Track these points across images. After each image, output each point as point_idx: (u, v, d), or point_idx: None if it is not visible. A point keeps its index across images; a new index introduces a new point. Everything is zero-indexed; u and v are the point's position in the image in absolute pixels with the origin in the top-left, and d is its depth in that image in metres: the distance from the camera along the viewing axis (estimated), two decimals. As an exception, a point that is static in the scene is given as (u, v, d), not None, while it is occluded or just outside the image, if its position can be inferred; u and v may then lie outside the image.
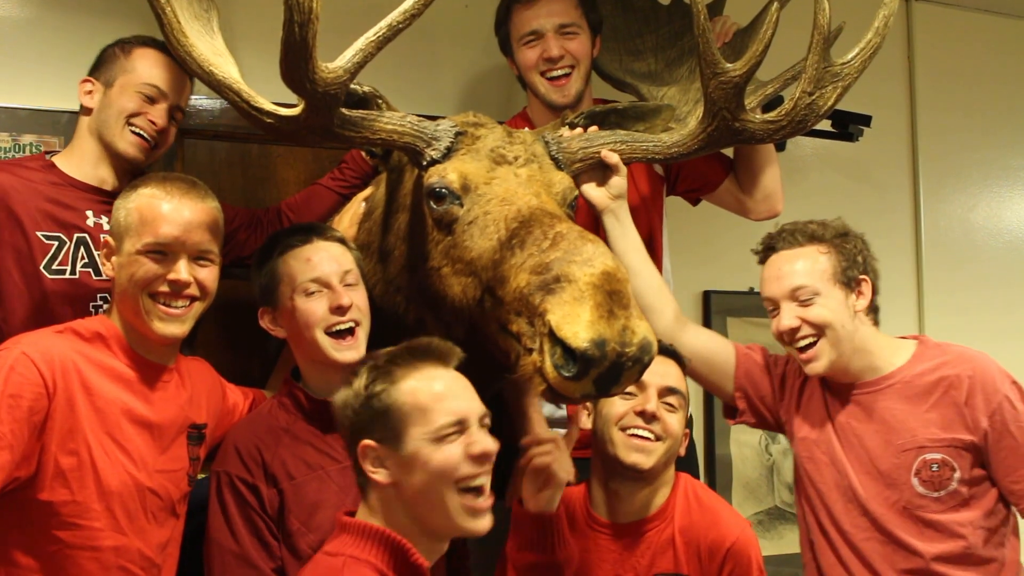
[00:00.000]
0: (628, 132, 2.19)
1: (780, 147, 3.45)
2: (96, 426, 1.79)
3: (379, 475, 1.65)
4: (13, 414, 1.66)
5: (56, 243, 2.14)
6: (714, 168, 2.67)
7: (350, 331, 1.98)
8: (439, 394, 1.64)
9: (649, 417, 2.06)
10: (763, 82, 2.30)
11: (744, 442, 3.38)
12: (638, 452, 2.05)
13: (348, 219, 2.34)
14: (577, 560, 2.09)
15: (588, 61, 2.59)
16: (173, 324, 1.89)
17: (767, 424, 2.42)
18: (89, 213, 2.19)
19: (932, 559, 2.12)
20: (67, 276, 2.14)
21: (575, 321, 1.55)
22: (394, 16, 1.75)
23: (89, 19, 2.65)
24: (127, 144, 2.20)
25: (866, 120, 3.37)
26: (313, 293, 1.98)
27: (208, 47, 1.85)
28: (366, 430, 1.66)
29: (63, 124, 2.59)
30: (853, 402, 2.23)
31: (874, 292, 2.24)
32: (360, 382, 1.68)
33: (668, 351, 2.16)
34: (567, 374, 1.57)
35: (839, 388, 2.26)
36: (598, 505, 2.16)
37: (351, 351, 1.96)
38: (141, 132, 2.21)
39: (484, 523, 1.66)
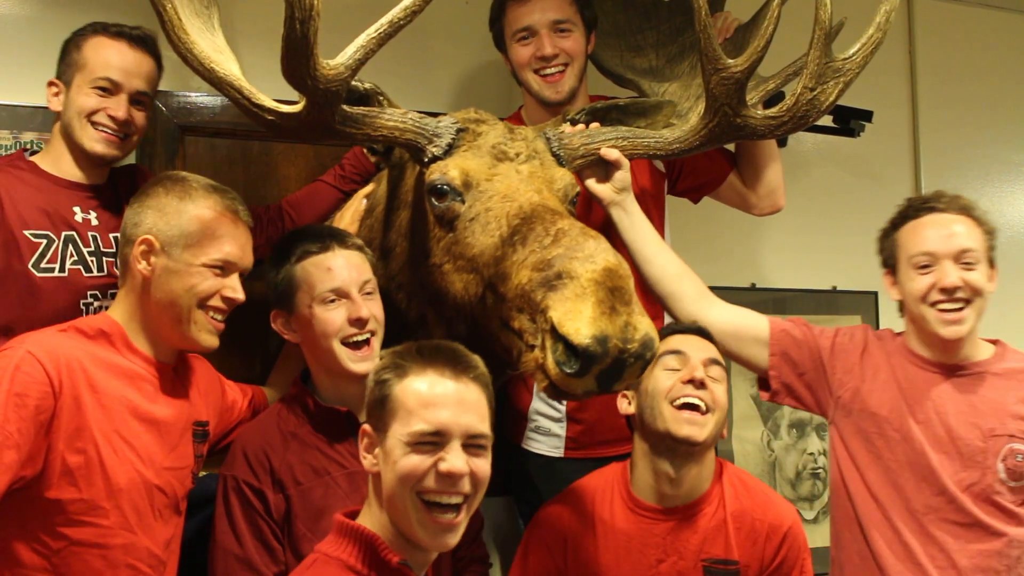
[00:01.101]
0: (629, 128, 2.19)
1: (782, 143, 3.44)
2: (103, 424, 1.78)
3: (366, 461, 1.66)
4: (20, 413, 1.66)
5: (44, 241, 2.13)
6: (717, 164, 2.66)
7: (366, 341, 1.98)
8: (427, 400, 1.60)
9: (699, 383, 2.05)
10: (764, 78, 2.30)
11: (746, 438, 3.37)
12: (691, 424, 2.02)
13: (349, 216, 2.34)
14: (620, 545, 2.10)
15: (583, 58, 2.56)
16: (214, 337, 1.93)
17: (804, 404, 2.36)
18: (76, 209, 2.19)
19: (1013, 542, 2.14)
20: (56, 274, 2.13)
21: (577, 318, 1.55)
22: (395, 13, 1.74)
23: (90, 17, 2.62)
24: (93, 142, 2.18)
25: (867, 116, 3.36)
26: (332, 302, 1.97)
27: (209, 44, 1.85)
28: (369, 414, 1.67)
29: (64, 122, 2.59)
30: (944, 382, 2.23)
31: None
32: (379, 365, 1.69)
33: (700, 331, 2.16)
34: (569, 371, 1.57)
35: (927, 366, 2.25)
36: (643, 489, 2.12)
37: (367, 362, 1.94)
38: (104, 128, 2.19)
39: (445, 540, 1.61)
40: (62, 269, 2.15)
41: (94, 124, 2.18)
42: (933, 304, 2.18)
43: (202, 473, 2.04)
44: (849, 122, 3.36)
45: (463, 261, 1.86)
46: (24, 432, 1.65)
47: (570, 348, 1.56)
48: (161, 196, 1.91)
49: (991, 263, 2.24)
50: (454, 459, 1.58)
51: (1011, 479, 2.15)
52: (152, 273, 1.88)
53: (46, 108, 2.37)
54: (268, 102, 1.80)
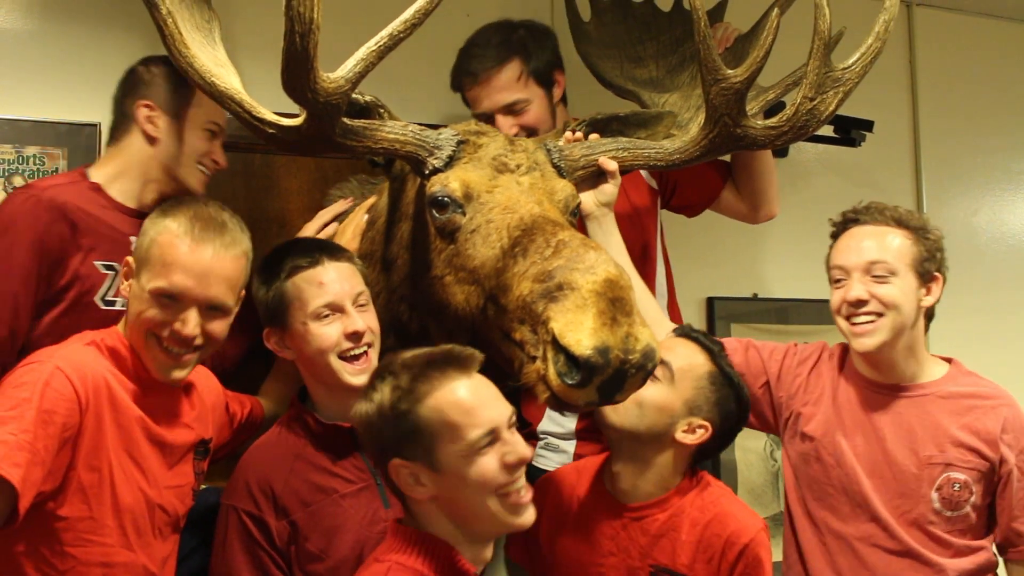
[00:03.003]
0: (630, 139, 2.19)
1: (783, 153, 3.45)
2: (117, 443, 1.78)
3: (417, 492, 1.63)
4: (47, 430, 1.65)
5: (112, 273, 2.11)
6: (711, 180, 2.67)
7: (364, 353, 1.97)
8: (467, 408, 1.61)
9: None
10: (764, 88, 2.30)
11: (749, 448, 3.36)
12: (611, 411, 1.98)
13: (351, 231, 2.33)
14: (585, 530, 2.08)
15: (548, 119, 2.56)
16: (174, 370, 1.86)
17: (748, 425, 2.31)
18: (132, 239, 2.14)
19: (946, 573, 2.10)
20: (118, 307, 2.10)
21: (578, 329, 1.55)
22: (395, 26, 1.75)
23: (91, 31, 2.65)
24: (196, 182, 2.21)
25: (868, 125, 3.36)
26: (326, 317, 1.96)
27: (210, 58, 1.86)
28: (395, 449, 1.62)
29: (65, 135, 2.59)
30: (884, 403, 2.19)
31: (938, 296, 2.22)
32: (382, 398, 1.63)
33: (690, 334, 2.11)
34: (571, 382, 1.57)
35: (869, 387, 2.21)
36: (607, 480, 2.10)
37: (365, 375, 1.91)
38: (206, 170, 2.23)
39: (529, 515, 1.68)
40: (124, 304, 2.13)
41: (200, 165, 2.22)
42: (848, 318, 2.16)
43: (202, 486, 2.04)
44: (850, 132, 3.36)
45: (464, 273, 1.86)
46: (49, 449, 1.65)
47: (571, 359, 1.56)
48: (149, 218, 1.90)
49: (926, 275, 2.18)
50: (516, 447, 1.64)
51: (947, 509, 2.11)
52: (128, 295, 1.87)
53: (48, 122, 2.37)
54: (269, 115, 1.80)
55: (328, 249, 2.06)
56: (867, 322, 2.13)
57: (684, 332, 2.13)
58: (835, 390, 2.25)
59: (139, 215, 2.15)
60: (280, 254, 2.05)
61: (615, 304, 1.57)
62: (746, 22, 2.51)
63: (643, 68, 2.69)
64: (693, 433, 2.01)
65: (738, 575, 1.96)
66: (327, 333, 1.95)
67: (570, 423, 2.55)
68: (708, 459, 2.24)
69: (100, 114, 2.65)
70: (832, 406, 2.24)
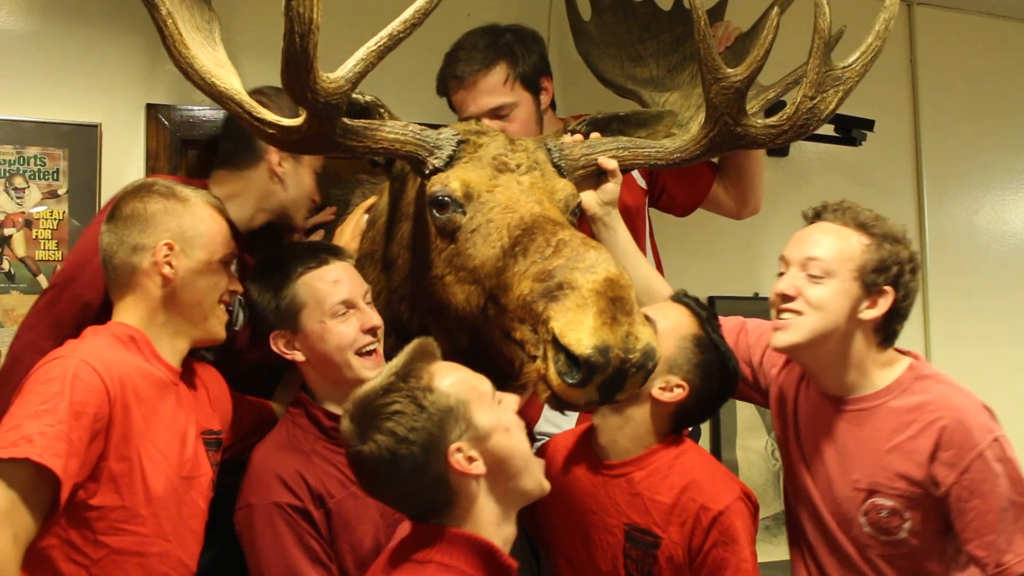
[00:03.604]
0: (630, 138, 2.19)
1: (783, 152, 3.46)
2: (143, 432, 1.81)
3: (477, 467, 1.60)
4: (80, 421, 1.68)
5: None
6: (701, 180, 2.68)
7: (375, 349, 2.01)
8: (469, 371, 1.67)
9: None
10: (764, 87, 2.30)
11: (751, 448, 3.37)
12: None
13: (350, 232, 2.33)
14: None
15: (534, 124, 2.54)
16: (224, 327, 2.01)
17: (753, 401, 2.36)
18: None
19: None
20: None
21: (578, 328, 1.55)
22: (394, 26, 1.75)
23: (92, 31, 2.66)
24: (302, 219, 2.43)
25: (869, 124, 3.37)
26: (343, 314, 1.99)
27: (210, 58, 1.86)
28: (446, 439, 1.58)
29: (66, 136, 2.60)
30: (825, 416, 2.09)
31: (893, 313, 2.01)
32: (398, 418, 1.58)
33: (682, 299, 2.09)
34: (571, 381, 1.57)
35: (816, 396, 2.12)
36: (592, 437, 2.09)
37: (378, 369, 1.91)
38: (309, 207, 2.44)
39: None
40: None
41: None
42: (776, 311, 2.06)
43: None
44: (851, 131, 3.37)
45: (464, 272, 1.86)
46: (83, 440, 1.68)
47: (572, 358, 1.56)
48: (163, 203, 1.94)
49: (871, 286, 1.99)
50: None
51: (879, 534, 1.99)
52: (175, 275, 1.90)
53: (49, 122, 2.38)
54: (269, 115, 1.80)
55: (330, 250, 2.09)
56: (787, 318, 2.01)
57: (677, 297, 2.11)
58: (796, 393, 2.19)
59: (239, 237, 2.20)
60: (281, 259, 2.07)
61: (615, 303, 1.57)
62: (746, 21, 2.51)
63: (643, 67, 2.69)
64: (670, 391, 1.98)
65: (711, 542, 1.90)
66: (345, 330, 1.98)
67: (568, 424, 2.54)
68: (692, 425, 2.22)
69: (101, 114, 2.67)
70: (792, 409, 2.18)
